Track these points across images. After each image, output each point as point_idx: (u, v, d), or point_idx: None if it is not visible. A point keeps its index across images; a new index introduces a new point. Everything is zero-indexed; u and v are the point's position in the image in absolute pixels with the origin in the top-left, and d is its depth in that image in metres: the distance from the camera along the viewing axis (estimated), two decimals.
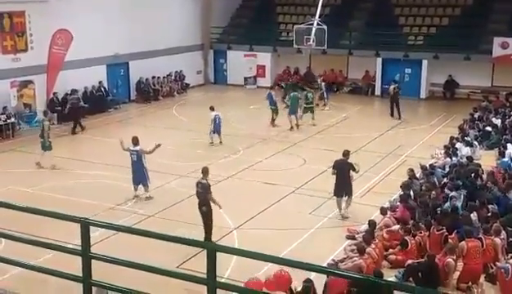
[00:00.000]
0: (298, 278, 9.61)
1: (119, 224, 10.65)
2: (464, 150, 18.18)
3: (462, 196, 13.93)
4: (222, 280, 7.60)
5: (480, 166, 16.46)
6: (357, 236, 12.84)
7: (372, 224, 12.69)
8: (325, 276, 9.62)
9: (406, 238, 11.95)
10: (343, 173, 14.49)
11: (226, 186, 16.30)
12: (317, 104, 26.15)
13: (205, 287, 5.30)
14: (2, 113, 22.12)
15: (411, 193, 14.42)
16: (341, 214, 14.49)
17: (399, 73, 28.82)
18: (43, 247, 7.00)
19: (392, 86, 25.89)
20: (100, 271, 5.91)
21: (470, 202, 13.52)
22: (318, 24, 27.25)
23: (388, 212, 13.58)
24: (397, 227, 12.67)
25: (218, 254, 5.23)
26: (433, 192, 14.16)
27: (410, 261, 11.28)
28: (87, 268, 5.71)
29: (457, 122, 23.11)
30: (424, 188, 14.76)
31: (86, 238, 5.69)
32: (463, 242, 11.23)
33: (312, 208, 14.99)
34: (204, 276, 5.28)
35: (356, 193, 15.07)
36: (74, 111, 23.56)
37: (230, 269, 10.71)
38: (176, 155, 19.25)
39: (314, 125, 23.87)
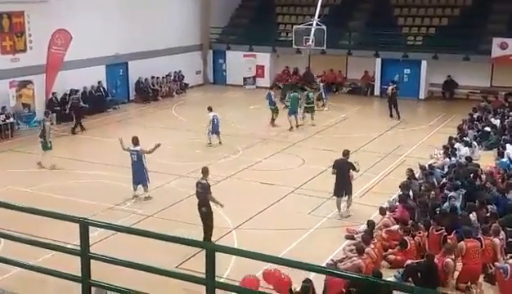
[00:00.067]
0: (297, 279, 9.62)
1: (118, 224, 10.65)
2: (463, 150, 18.19)
3: (461, 196, 13.94)
4: (221, 280, 7.59)
5: (479, 166, 16.45)
6: (356, 236, 12.84)
7: (371, 224, 12.68)
8: (324, 276, 9.63)
9: (405, 238, 11.95)
10: (343, 173, 14.51)
11: (225, 186, 16.28)
12: (316, 105, 26.14)
13: (204, 287, 5.30)
14: (0, 113, 22.11)
15: (410, 193, 14.42)
16: (340, 214, 14.50)
17: (398, 73, 28.86)
18: (42, 247, 7.00)
19: (390, 87, 25.90)
20: (99, 271, 5.90)
21: (469, 202, 13.51)
22: (317, 25, 27.27)
23: (388, 212, 13.58)
24: (396, 227, 12.68)
25: (217, 254, 5.23)
26: (432, 192, 14.16)
27: (409, 261, 11.28)
28: (86, 268, 5.71)
29: (456, 122, 23.12)
30: (423, 188, 14.75)
31: (85, 238, 5.69)
32: (462, 243, 11.23)
33: (311, 208, 14.99)
34: (203, 276, 5.27)
35: (355, 194, 15.07)
36: (75, 111, 23.58)
37: (229, 269, 10.70)
38: (175, 155, 19.24)
39: (313, 125, 23.88)
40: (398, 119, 25.12)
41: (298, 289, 9.64)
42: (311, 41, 27.27)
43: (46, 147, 18.34)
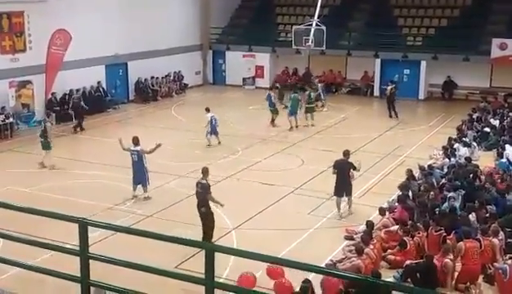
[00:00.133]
0: (296, 279, 9.62)
1: (118, 224, 10.64)
2: (463, 151, 18.20)
3: (460, 197, 13.94)
4: (221, 280, 7.58)
5: (478, 166, 16.47)
6: (355, 236, 12.84)
7: (370, 224, 12.68)
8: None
9: (404, 238, 11.95)
10: (344, 173, 14.51)
11: (225, 186, 16.27)
12: (316, 105, 26.14)
13: (203, 287, 5.29)
14: (0, 114, 22.11)
15: (410, 193, 14.42)
16: (340, 214, 14.50)
17: (398, 73, 28.86)
18: (41, 247, 6.98)
19: (389, 87, 25.91)
20: (98, 271, 5.89)
21: (468, 202, 13.51)
22: (317, 25, 27.28)
23: (387, 213, 13.58)
24: (395, 227, 12.68)
25: (216, 254, 5.22)
26: (432, 192, 14.16)
27: (408, 262, 11.28)
28: (85, 268, 5.70)
29: (456, 122, 23.12)
30: (422, 188, 14.76)
31: (84, 239, 5.67)
32: (461, 243, 11.24)
33: (310, 208, 14.99)
34: (202, 276, 5.27)
35: (354, 194, 15.06)
36: (76, 110, 23.54)
37: (228, 269, 10.69)
38: (175, 155, 19.24)
39: (313, 125, 23.89)
40: (396, 118, 25.14)
41: (297, 289, 9.65)
42: (310, 41, 27.28)
43: (46, 147, 18.34)
